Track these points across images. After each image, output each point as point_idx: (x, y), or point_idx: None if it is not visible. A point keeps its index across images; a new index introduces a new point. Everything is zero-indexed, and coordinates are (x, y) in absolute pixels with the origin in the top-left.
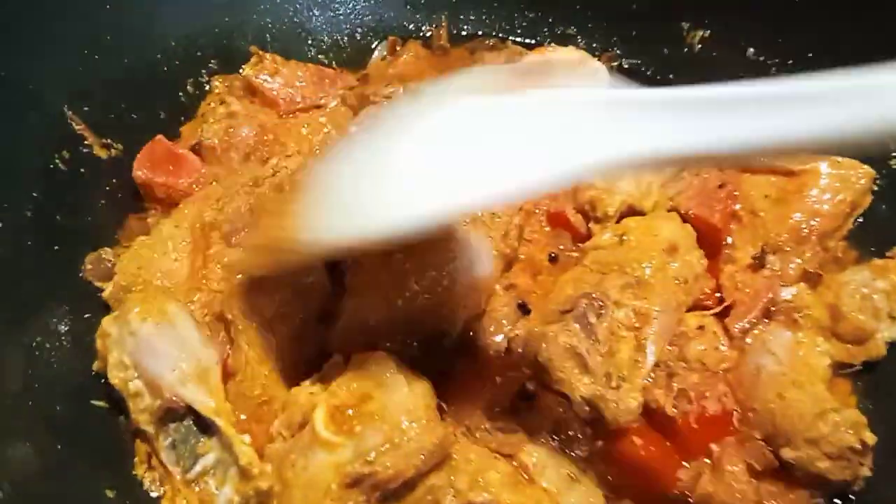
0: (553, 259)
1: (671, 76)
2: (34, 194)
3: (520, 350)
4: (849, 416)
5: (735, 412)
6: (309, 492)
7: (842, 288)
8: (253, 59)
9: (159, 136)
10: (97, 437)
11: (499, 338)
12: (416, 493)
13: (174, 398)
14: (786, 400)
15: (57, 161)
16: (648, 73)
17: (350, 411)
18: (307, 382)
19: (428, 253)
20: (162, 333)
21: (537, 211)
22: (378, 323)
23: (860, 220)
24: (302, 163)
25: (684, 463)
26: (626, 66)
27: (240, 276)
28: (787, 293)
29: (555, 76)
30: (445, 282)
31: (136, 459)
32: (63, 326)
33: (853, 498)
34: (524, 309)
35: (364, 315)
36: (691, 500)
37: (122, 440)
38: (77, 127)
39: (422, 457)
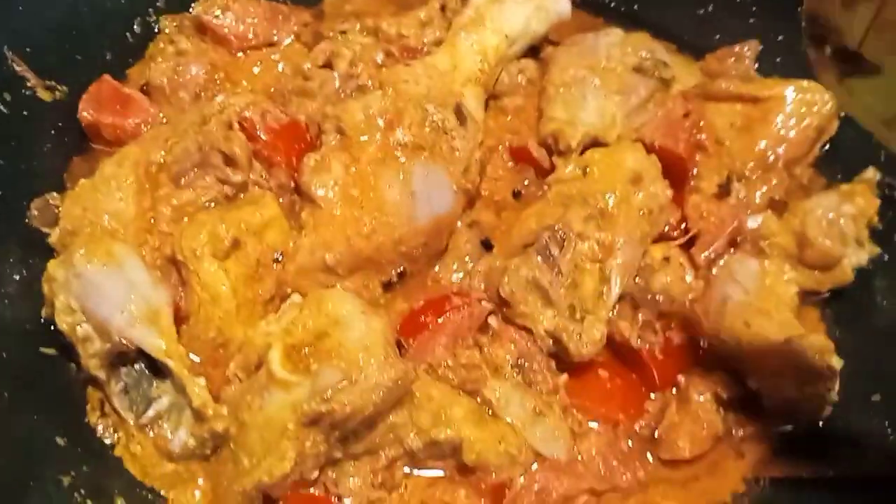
0: (517, 195)
1: (635, 7)
2: None
3: (482, 285)
4: (815, 341)
5: (701, 342)
6: (266, 432)
7: (808, 214)
8: None
9: (105, 76)
10: (47, 385)
11: (461, 274)
12: (376, 432)
13: (124, 341)
14: (752, 328)
15: None
16: (611, 4)
17: (306, 350)
18: (263, 323)
19: (386, 188)
20: (108, 275)
21: (500, 147)
22: (336, 261)
23: (827, 146)
24: (251, 101)
25: (651, 395)
26: None
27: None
28: (753, 221)
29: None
30: (404, 217)
31: (88, 407)
32: (12, 274)
33: (821, 425)
34: (487, 245)
35: (321, 253)
36: (658, 432)
37: (74, 388)
38: (18, 68)
39: (380, 393)
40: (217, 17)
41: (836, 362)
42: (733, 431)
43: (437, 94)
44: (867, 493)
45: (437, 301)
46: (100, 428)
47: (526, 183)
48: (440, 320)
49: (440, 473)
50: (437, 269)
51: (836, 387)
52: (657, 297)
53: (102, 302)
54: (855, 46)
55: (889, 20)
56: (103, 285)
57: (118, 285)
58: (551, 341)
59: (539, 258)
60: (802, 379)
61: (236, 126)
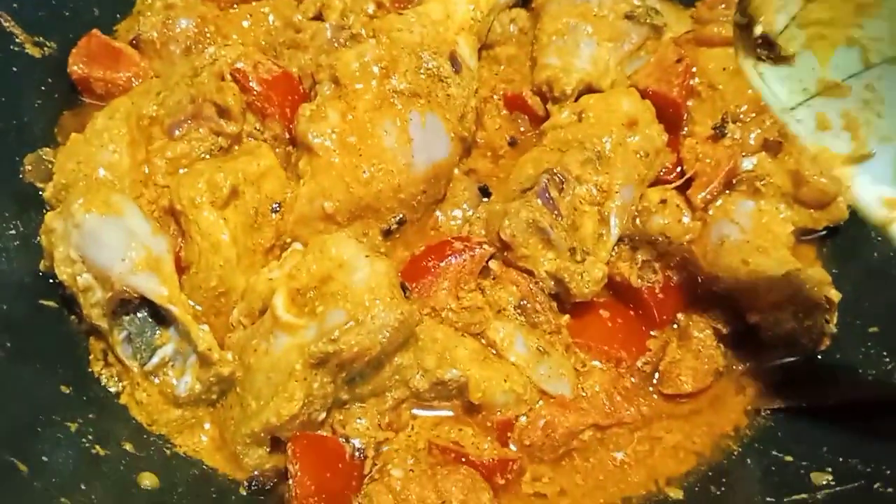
0: (512, 143)
1: None
2: None
3: (482, 230)
4: (813, 274)
5: (699, 281)
6: (273, 374)
7: (802, 153)
8: None
9: (95, 31)
10: (50, 336)
11: (460, 221)
12: (382, 374)
13: (126, 289)
14: (750, 265)
15: None
16: None
17: (311, 293)
18: (265, 269)
19: (383, 135)
20: (108, 224)
21: (494, 96)
22: (335, 209)
23: None
24: (242, 52)
25: (651, 332)
26: None
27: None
28: (748, 163)
29: None
30: (402, 164)
31: (91, 357)
32: (8, 229)
33: (820, 357)
34: (485, 192)
35: (320, 201)
36: (660, 368)
37: (76, 339)
38: (6, 24)
39: (386, 333)
40: None
41: (835, 295)
42: (733, 366)
43: (431, 43)
44: (865, 420)
45: (438, 246)
46: (104, 377)
47: (522, 130)
48: (442, 264)
49: (447, 413)
50: (436, 216)
51: (835, 319)
52: (656, 239)
53: (103, 251)
54: (774, 36)
55: (811, 18)
56: (103, 234)
57: (118, 234)
58: (553, 282)
59: (539, 201)
60: (801, 312)
61: (228, 77)
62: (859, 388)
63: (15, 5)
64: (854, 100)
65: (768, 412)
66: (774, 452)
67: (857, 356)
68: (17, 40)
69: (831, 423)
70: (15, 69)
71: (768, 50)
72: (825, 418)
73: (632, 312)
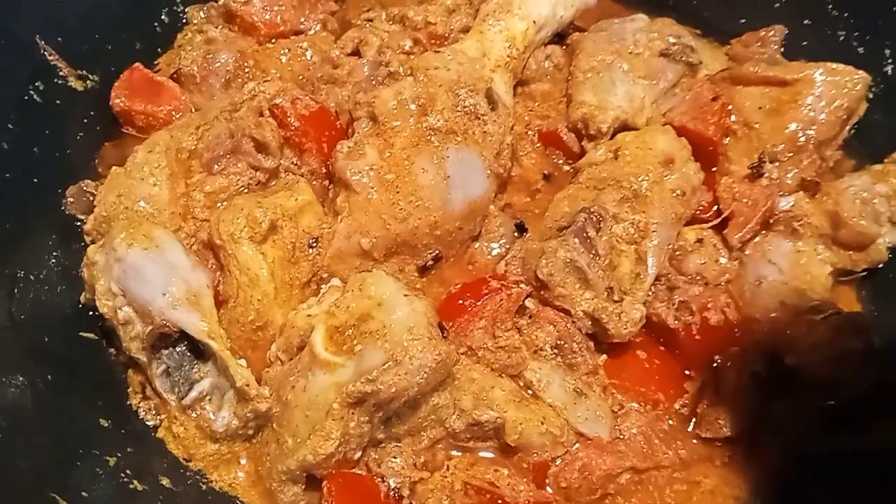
0: (547, 177)
1: None
2: (10, 126)
3: (519, 269)
4: (851, 318)
5: (737, 322)
6: (310, 412)
7: (841, 194)
8: None
9: (137, 64)
10: (89, 369)
11: (496, 258)
12: (419, 413)
13: (166, 323)
14: (788, 308)
15: (32, 93)
16: None
17: (350, 331)
18: (304, 305)
19: (421, 173)
20: (149, 258)
21: (529, 132)
22: (372, 246)
23: (855, 128)
24: (281, 88)
25: (689, 374)
26: None
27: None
28: (785, 203)
29: None
30: (439, 201)
31: (129, 390)
32: (49, 259)
33: (858, 402)
34: (521, 228)
35: (357, 237)
36: (698, 411)
37: (115, 372)
38: (51, 58)
39: (424, 374)
40: (245, 4)
41: (874, 340)
42: (772, 409)
43: (467, 80)
44: None
45: (474, 284)
46: (142, 411)
47: (557, 164)
48: (479, 303)
49: (483, 454)
50: (471, 252)
51: (874, 362)
52: (693, 279)
53: (144, 285)
54: None
55: None
56: (145, 268)
57: (159, 268)
58: (590, 322)
59: (576, 240)
60: (840, 355)
61: (267, 113)
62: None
63: (59, 39)
64: None
65: (808, 456)
66: (814, 497)
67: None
68: (61, 73)
69: (871, 469)
70: (59, 102)
71: None
72: (865, 463)
73: (669, 353)
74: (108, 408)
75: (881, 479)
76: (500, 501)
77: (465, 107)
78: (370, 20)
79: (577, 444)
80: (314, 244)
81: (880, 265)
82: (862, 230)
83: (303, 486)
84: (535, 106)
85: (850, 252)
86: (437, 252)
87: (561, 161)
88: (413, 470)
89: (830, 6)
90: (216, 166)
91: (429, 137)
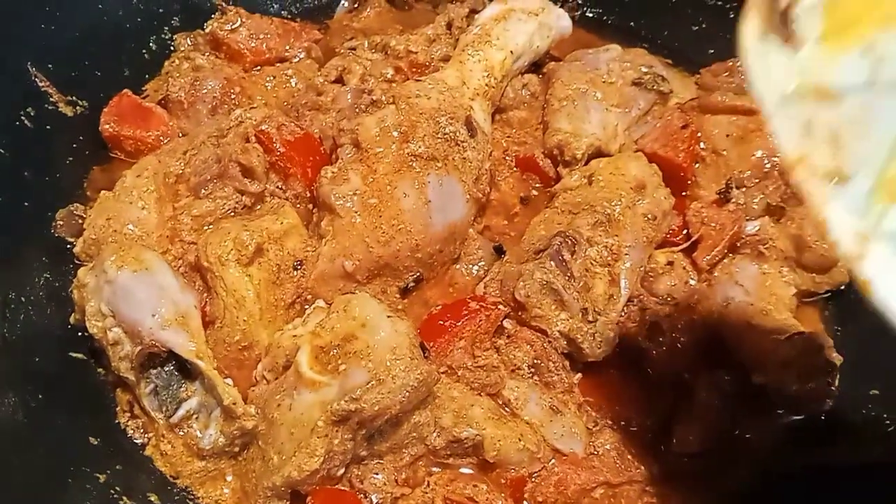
0: (524, 200)
1: (632, 24)
2: (0, 150)
3: (497, 291)
4: (815, 338)
5: (706, 343)
6: (295, 429)
7: (805, 219)
8: (217, 13)
9: (126, 91)
10: (78, 388)
11: (475, 276)
12: (400, 431)
13: (155, 343)
14: (755, 328)
15: (22, 118)
16: (609, 21)
17: (334, 351)
18: (289, 326)
19: (403, 197)
20: (139, 280)
21: (507, 158)
22: (355, 268)
23: None
24: (267, 114)
25: (660, 392)
26: (588, 15)
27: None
28: (751, 227)
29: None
30: (420, 225)
31: (118, 409)
32: (39, 281)
33: (823, 418)
34: (499, 251)
35: (341, 260)
36: (669, 428)
37: (104, 391)
38: (41, 84)
39: (406, 393)
40: (231, 32)
41: (836, 358)
42: (740, 426)
43: (447, 108)
44: (869, 480)
45: (454, 305)
46: (130, 429)
47: (533, 192)
48: (458, 324)
49: (463, 470)
50: (452, 274)
51: (837, 381)
52: (664, 300)
53: (134, 306)
54: (796, 12)
55: (842, 5)
56: (134, 290)
57: (149, 290)
58: (565, 342)
59: (552, 263)
60: (804, 374)
61: (253, 139)
62: (862, 449)
63: (50, 66)
64: (845, 114)
65: (774, 472)
66: None
67: (859, 417)
68: (51, 99)
69: (835, 483)
70: (49, 127)
71: (781, 26)
72: (829, 478)
73: (641, 372)
74: (98, 426)
75: (847, 494)
76: None
77: (445, 134)
78: (353, 49)
79: (553, 460)
80: (299, 266)
81: (842, 287)
82: (824, 253)
83: (287, 503)
84: (513, 132)
85: (814, 274)
86: (418, 274)
87: (538, 185)
88: (395, 486)
89: None
90: (203, 190)
91: (410, 163)
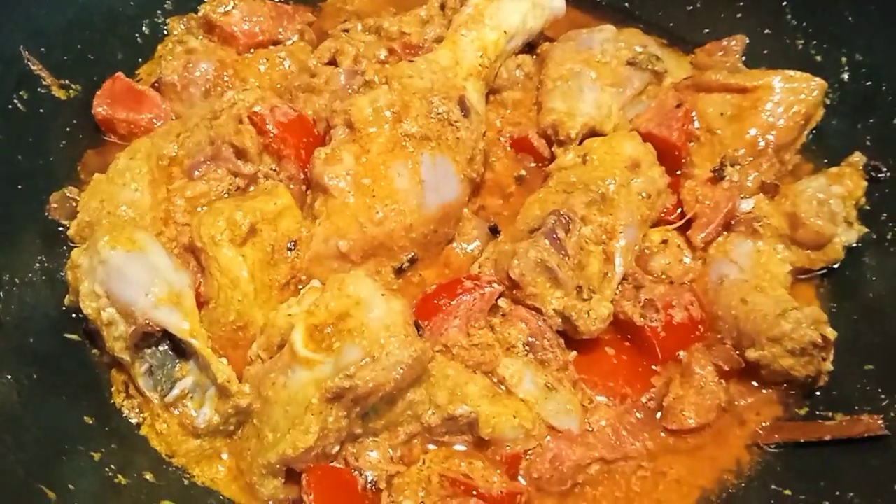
0: (520, 179)
1: (626, 4)
2: None
3: (492, 270)
4: (809, 313)
5: (701, 319)
6: (290, 407)
7: (799, 196)
8: None
9: (119, 74)
10: (73, 369)
11: (470, 256)
12: (395, 409)
13: (148, 323)
14: (749, 304)
15: (16, 101)
16: (604, 1)
17: (328, 329)
18: (284, 305)
19: (396, 177)
20: (132, 260)
21: (501, 138)
22: (349, 248)
23: (813, 133)
24: (260, 96)
25: (655, 369)
26: None
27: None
28: (746, 204)
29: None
30: (414, 204)
31: (113, 389)
32: (34, 263)
33: (818, 394)
34: (494, 230)
35: (335, 241)
36: (664, 404)
37: (98, 372)
38: (34, 67)
39: (401, 370)
40: (224, 14)
41: (831, 333)
42: (735, 402)
43: (440, 88)
44: (862, 454)
45: (449, 285)
46: (125, 409)
47: (528, 169)
48: (453, 302)
49: (458, 447)
50: (447, 254)
51: (831, 356)
52: (658, 278)
53: (127, 286)
54: None
55: None
56: (128, 270)
57: (142, 270)
58: (560, 320)
59: (546, 241)
60: (798, 350)
61: (246, 120)
62: (856, 424)
63: (43, 50)
64: None
65: (768, 447)
66: (774, 486)
67: (853, 393)
68: (44, 83)
69: (829, 458)
70: (42, 110)
71: None
72: (823, 453)
73: (636, 349)
74: (93, 406)
75: (842, 470)
76: (474, 493)
77: (438, 114)
78: (346, 30)
79: (549, 437)
80: (293, 247)
81: (836, 264)
82: (819, 230)
83: (282, 480)
84: (507, 113)
85: (808, 251)
86: (412, 254)
87: (533, 165)
88: (390, 463)
89: (790, 16)
90: (196, 172)
91: (404, 143)
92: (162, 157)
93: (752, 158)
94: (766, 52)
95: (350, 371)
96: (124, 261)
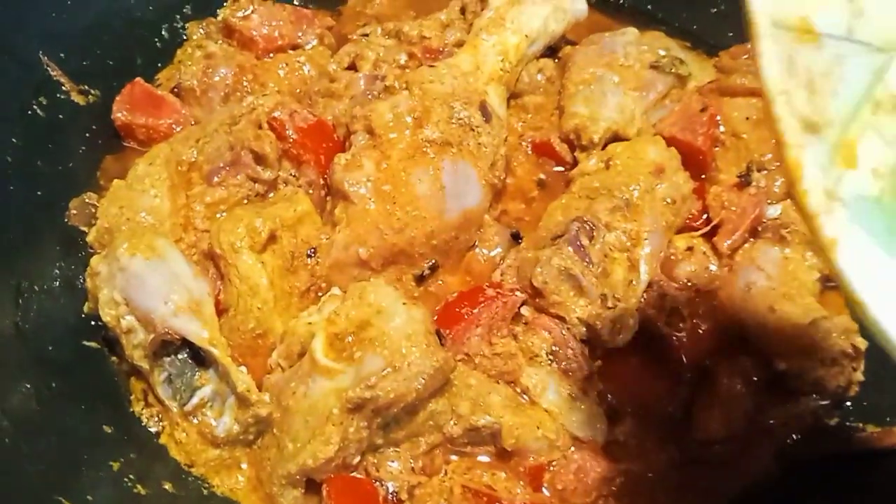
0: (541, 183)
1: (649, 7)
2: (13, 140)
3: (514, 277)
4: (839, 322)
5: (727, 328)
6: (310, 417)
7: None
8: (230, 1)
9: (138, 79)
10: (92, 377)
11: (492, 263)
12: (417, 419)
13: (168, 331)
14: (777, 312)
15: (35, 107)
16: (626, 4)
17: (349, 338)
18: (304, 314)
19: (417, 183)
20: (152, 268)
21: (522, 143)
22: (370, 255)
23: None
24: (279, 101)
25: (681, 379)
26: None
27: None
28: (773, 211)
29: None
30: (435, 211)
31: (132, 398)
32: (53, 270)
33: (849, 405)
34: (516, 237)
35: (355, 248)
36: (691, 415)
37: (117, 380)
38: (53, 73)
39: (423, 380)
40: (244, 19)
41: (861, 342)
42: (763, 412)
43: (461, 93)
44: (894, 466)
45: (471, 293)
46: (144, 417)
47: (551, 172)
48: (475, 311)
49: (480, 458)
50: (468, 261)
51: (862, 366)
52: (683, 285)
53: (147, 294)
54: None
55: None
56: (147, 278)
57: (162, 277)
58: (584, 329)
59: (570, 248)
60: (828, 359)
61: (266, 126)
62: (887, 436)
63: (62, 55)
64: (821, 62)
65: (798, 459)
66: (803, 499)
67: (885, 404)
68: (63, 89)
69: (859, 470)
70: (61, 116)
71: None
72: (853, 465)
73: (661, 358)
74: (112, 415)
75: (870, 482)
76: None
77: (459, 119)
78: (366, 35)
79: (573, 448)
80: (312, 254)
81: None
82: None
83: (302, 491)
84: (529, 118)
85: None
86: (433, 261)
87: (555, 169)
88: (411, 474)
89: None
90: (216, 178)
91: (424, 149)
92: (181, 163)
93: (778, 163)
94: None
95: (371, 381)
96: (143, 268)
